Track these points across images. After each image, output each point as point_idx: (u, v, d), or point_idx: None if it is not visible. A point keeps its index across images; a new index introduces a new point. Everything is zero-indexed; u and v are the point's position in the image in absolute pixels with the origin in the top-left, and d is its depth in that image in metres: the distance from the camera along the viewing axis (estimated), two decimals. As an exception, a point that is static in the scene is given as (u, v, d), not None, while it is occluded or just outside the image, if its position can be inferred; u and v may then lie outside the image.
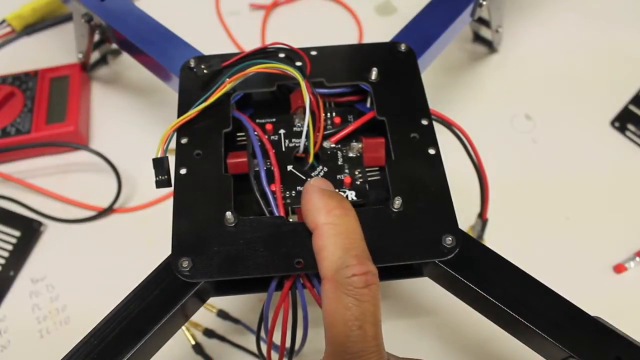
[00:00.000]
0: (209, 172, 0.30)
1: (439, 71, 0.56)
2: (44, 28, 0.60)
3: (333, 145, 0.33)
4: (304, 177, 0.32)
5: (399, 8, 0.62)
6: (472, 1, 0.43)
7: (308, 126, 0.31)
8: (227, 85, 0.32)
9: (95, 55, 0.56)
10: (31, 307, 0.44)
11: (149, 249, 0.46)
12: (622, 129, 0.53)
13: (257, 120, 0.34)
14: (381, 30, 0.59)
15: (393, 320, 0.43)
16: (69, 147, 0.51)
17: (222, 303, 0.44)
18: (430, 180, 0.30)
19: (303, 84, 0.31)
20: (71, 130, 0.50)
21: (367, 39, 0.60)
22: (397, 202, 0.29)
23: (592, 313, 0.29)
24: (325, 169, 0.32)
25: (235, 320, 0.43)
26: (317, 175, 0.32)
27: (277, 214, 0.29)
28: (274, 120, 0.34)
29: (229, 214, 0.28)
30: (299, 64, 0.34)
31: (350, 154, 0.33)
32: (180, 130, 0.32)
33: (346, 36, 0.60)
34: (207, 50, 0.37)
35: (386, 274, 0.29)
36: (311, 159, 0.32)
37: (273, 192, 0.30)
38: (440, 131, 0.33)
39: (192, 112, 0.32)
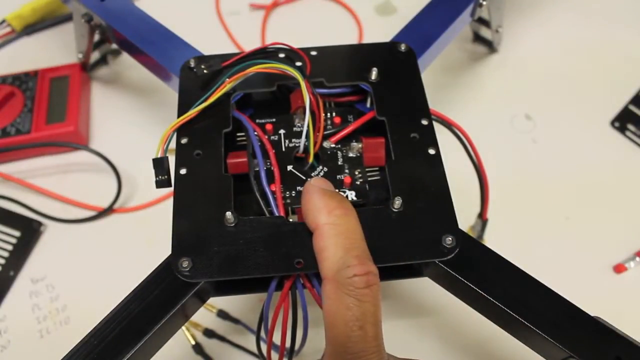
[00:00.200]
0: (209, 172, 0.30)
1: (439, 71, 0.56)
2: (44, 28, 0.60)
3: (333, 145, 0.33)
4: (304, 177, 0.32)
5: (399, 8, 0.62)
6: (472, 1, 0.43)
7: (308, 126, 0.31)
8: (227, 85, 0.32)
9: (95, 55, 0.56)
10: (31, 307, 0.44)
11: (149, 249, 0.46)
12: (622, 129, 0.53)
13: (257, 120, 0.34)
14: (381, 30, 0.59)
15: (393, 320, 0.43)
16: (69, 147, 0.51)
17: (222, 303, 0.44)
18: (430, 180, 0.30)
19: (303, 84, 0.31)
20: (71, 130, 0.50)
21: (367, 39, 0.60)
22: (397, 202, 0.29)
23: (592, 313, 0.29)
24: (325, 169, 0.32)
25: (235, 320, 0.43)
26: (317, 175, 0.32)
27: (277, 214, 0.29)
28: (274, 120, 0.34)
29: (229, 214, 0.28)
30: (299, 64, 0.34)
31: (350, 154, 0.33)
32: (180, 130, 0.32)
33: (346, 36, 0.60)
34: (207, 50, 0.37)
35: (386, 274, 0.29)
36: (311, 159, 0.32)
37: (273, 192, 0.30)
38: (440, 131, 0.33)
39: (192, 112, 0.32)
